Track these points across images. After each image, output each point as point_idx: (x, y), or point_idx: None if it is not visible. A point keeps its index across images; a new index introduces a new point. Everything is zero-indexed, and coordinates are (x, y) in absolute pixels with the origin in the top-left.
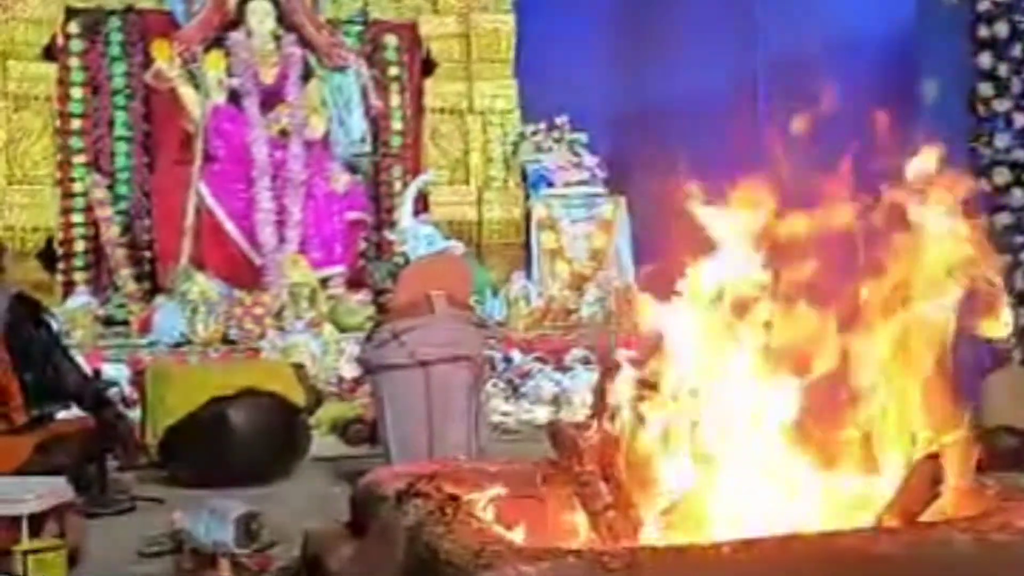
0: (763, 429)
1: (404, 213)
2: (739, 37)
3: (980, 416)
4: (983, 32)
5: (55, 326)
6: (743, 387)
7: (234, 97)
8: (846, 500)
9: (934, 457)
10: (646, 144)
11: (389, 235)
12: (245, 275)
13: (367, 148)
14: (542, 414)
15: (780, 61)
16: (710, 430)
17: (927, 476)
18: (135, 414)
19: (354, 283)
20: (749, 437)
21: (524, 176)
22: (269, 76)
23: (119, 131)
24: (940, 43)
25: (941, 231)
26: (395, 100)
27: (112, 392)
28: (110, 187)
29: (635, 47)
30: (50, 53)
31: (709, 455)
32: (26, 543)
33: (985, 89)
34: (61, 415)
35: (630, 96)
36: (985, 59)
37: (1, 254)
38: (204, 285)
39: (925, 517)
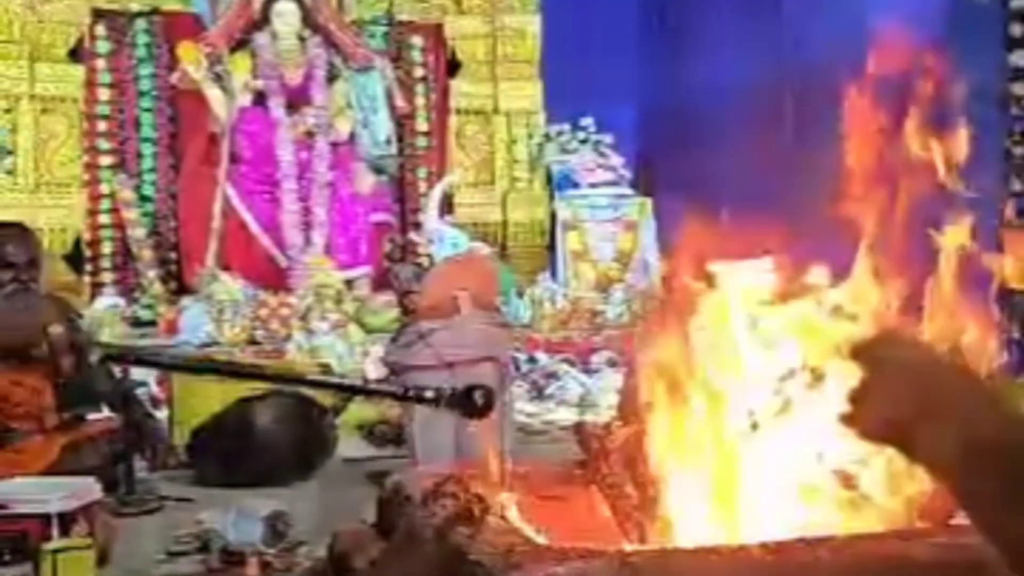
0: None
1: (429, 215)
2: (767, 36)
3: None
4: (1015, 30)
5: (82, 326)
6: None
7: (260, 99)
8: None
9: None
10: (673, 145)
11: (414, 236)
12: (271, 276)
13: (392, 149)
14: (567, 416)
15: (808, 60)
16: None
17: None
18: (163, 414)
19: (379, 284)
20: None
21: (549, 177)
22: (294, 77)
23: (145, 133)
24: (972, 41)
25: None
26: (420, 101)
27: (140, 393)
28: (136, 189)
29: (661, 47)
30: (77, 55)
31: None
32: (55, 542)
33: (1018, 88)
34: (90, 416)
35: (657, 96)
36: (1017, 57)
37: (40, 258)
38: (230, 286)
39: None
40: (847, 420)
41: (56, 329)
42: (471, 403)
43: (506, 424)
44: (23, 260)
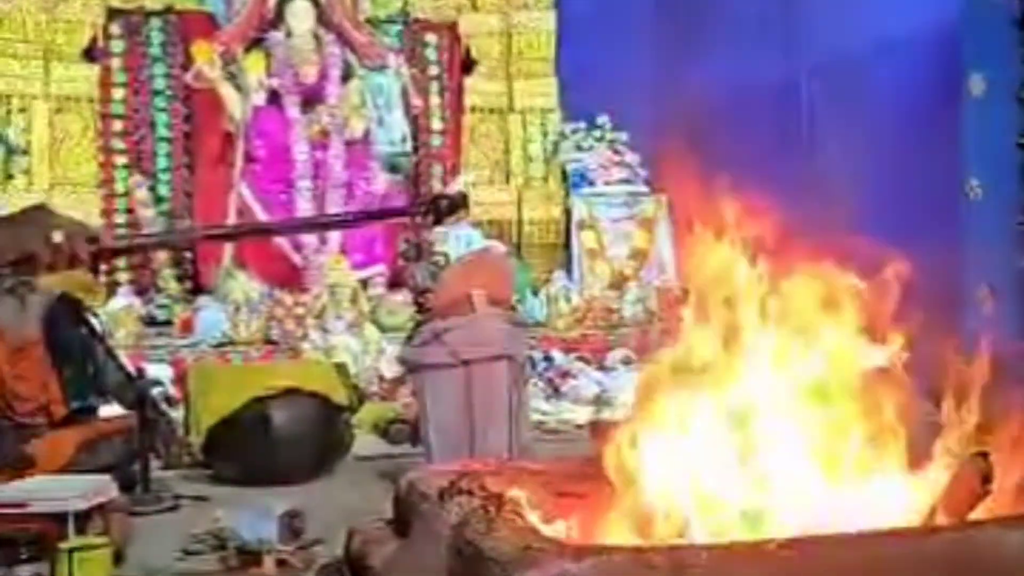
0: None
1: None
2: (784, 34)
3: None
4: None
5: (97, 324)
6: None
7: (274, 97)
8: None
9: (983, 455)
10: (689, 143)
11: (429, 235)
12: (286, 275)
13: (407, 148)
14: (583, 414)
15: (825, 58)
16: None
17: (976, 474)
18: (178, 413)
19: (394, 283)
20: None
21: (564, 175)
22: (309, 76)
23: (160, 132)
24: (987, 37)
25: None
26: (435, 99)
27: (156, 392)
28: (151, 188)
29: (678, 45)
30: (91, 54)
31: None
32: (72, 541)
33: None
34: (104, 413)
35: (673, 94)
36: None
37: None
38: (246, 285)
39: (974, 515)
40: None
41: (58, 236)
42: (438, 209)
43: (522, 422)
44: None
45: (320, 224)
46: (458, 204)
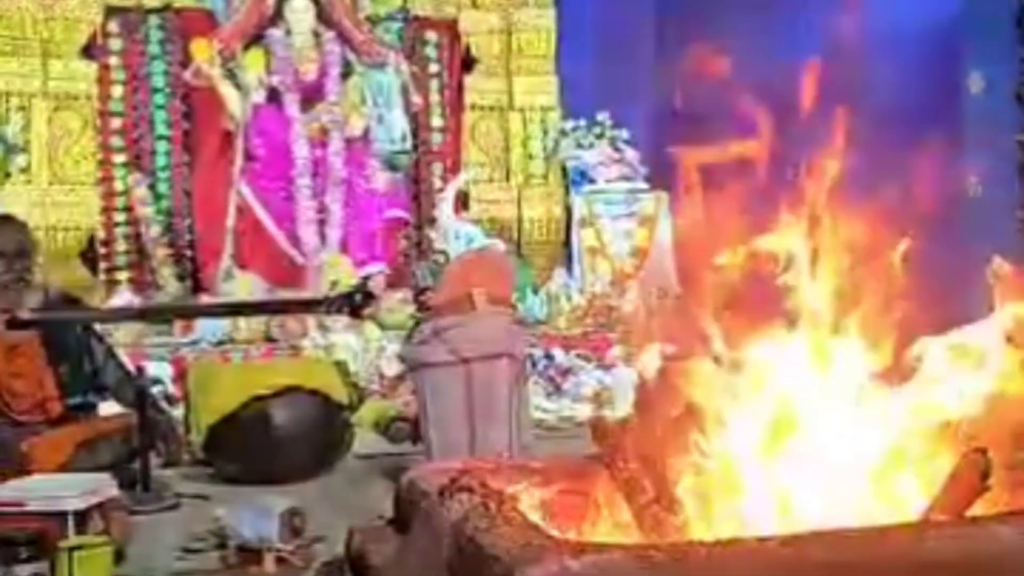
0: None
1: (444, 211)
2: (784, 31)
3: None
4: None
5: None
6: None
7: (274, 95)
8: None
9: (982, 450)
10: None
11: (430, 233)
12: (287, 274)
13: (407, 146)
14: (583, 412)
15: (826, 55)
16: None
17: (975, 469)
18: (178, 412)
19: (395, 281)
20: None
21: (565, 173)
22: (309, 74)
23: (159, 130)
24: (987, 35)
25: None
26: (435, 97)
27: (156, 390)
28: (151, 186)
29: (678, 41)
30: (89, 52)
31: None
32: (72, 540)
33: None
34: (104, 412)
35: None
36: None
37: (31, 248)
38: (246, 284)
39: (973, 511)
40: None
41: None
42: (352, 303)
43: (522, 420)
44: (12, 250)
45: (234, 309)
46: (372, 296)
